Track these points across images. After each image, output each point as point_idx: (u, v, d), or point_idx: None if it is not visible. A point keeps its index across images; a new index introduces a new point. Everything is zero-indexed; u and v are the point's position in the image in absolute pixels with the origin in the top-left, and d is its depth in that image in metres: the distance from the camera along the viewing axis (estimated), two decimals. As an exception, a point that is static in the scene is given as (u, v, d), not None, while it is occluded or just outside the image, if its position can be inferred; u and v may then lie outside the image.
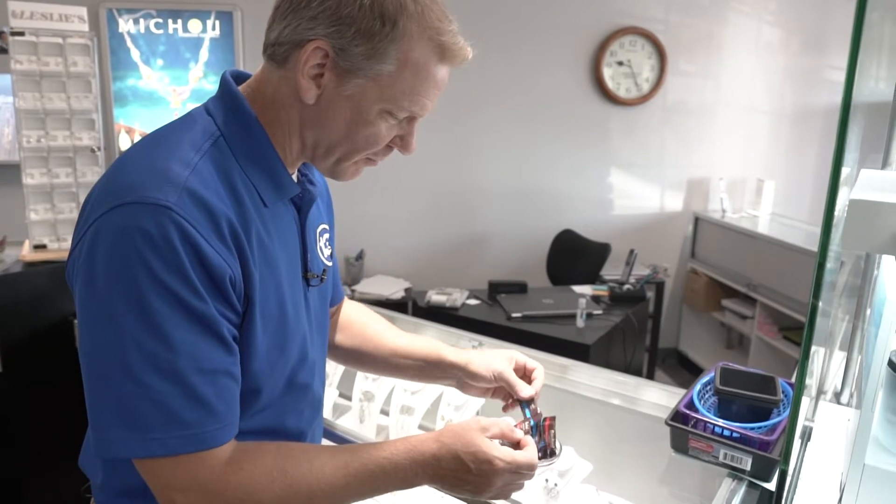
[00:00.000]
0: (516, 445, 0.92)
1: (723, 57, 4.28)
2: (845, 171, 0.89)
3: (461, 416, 1.52)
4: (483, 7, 3.95)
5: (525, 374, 1.10)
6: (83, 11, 2.37)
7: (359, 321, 1.21)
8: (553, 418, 1.03)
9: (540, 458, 0.96)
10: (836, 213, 0.63)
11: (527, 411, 1.04)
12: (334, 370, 1.83)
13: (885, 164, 1.02)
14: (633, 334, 3.04)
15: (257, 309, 0.81)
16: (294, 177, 0.92)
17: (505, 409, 1.10)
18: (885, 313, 0.69)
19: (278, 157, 0.86)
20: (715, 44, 4.25)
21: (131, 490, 0.86)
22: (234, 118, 0.84)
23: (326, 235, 1.03)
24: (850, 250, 0.71)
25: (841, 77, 0.64)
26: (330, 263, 1.02)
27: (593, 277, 3.62)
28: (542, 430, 1.01)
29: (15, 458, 2.29)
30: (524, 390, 1.05)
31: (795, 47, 4.33)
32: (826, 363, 1.29)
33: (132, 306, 0.71)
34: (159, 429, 0.73)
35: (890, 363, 0.72)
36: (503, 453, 0.87)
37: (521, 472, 0.89)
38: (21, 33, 2.24)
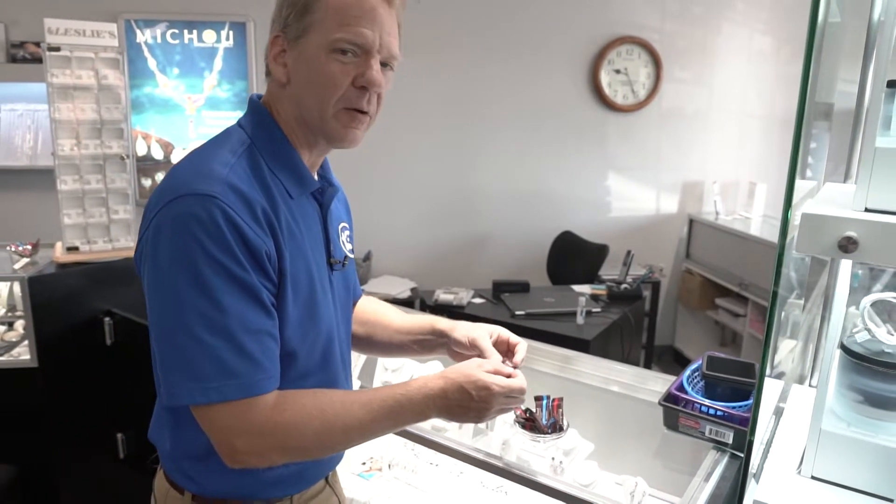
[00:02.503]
0: (508, 378, 1.05)
1: (716, 65, 4.44)
2: (811, 183, 1.05)
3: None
4: (486, 17, 4.10)
5: (509, 349, 1.20)
6: (113, 27, 2.51)
7: (370, 310, 1.35)
8: (561, 399, 1.19)
9: (549, 433, 1.12)
10: (793, 224, 0.79)
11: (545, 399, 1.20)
12: (355, 361, 1.97)
13: (846, 177, 1.17)
14: (631, 331, 3.19)
15: (288, 281, 0.96)
16: (314, 177, 1.08)
17: None
18: (836, 305, 0.85)
19: (298, 156, 1.02)
20: (708, 52, 4.41)
21: (196, 454, 1.02)
22: (260, 128, 1.01)
23: (347, 233, 1.19)
24: (803, 253, 0.86)
25: (829, 84, 0.77)
26: (351, 256, 1.18)
27: (592, 277, 3.77)
28: (552, 409, 1.17)
29: (48, 450, 2.40)
30: (493, 357, 1.13)
31: (786, 55, 4.48)
32: (805, 355, 1.44)
33: (190, 278, 0.87)
34: (215, 378, 0.87)
35: (841, 346, 0.88)
36: (498, 379, 1.01)
37: (513, 396, 1.03)
38: (57, 49, 2.38)
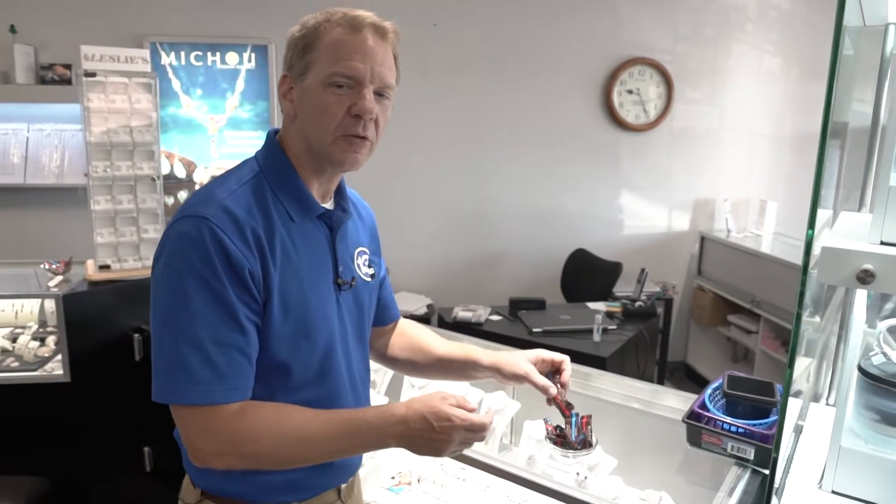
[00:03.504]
0: (470, 412, 1.07)
1: (727, 85, 4.51)
2: (827, 213, 1.11)
3: (501, 420, 1.74)
4: (501, 39, 4.19)
5: (553, 366, 1.28)
6: (146, 54, 2.61)
7: (410, 334, 1.42)
8: (589, 416, 1.25)
9: (579, 449, 1.19)
10: (814, 254, 0.85)
11: (574, 417, 1.26)
12: (382, 379, 2.04)
13: (860, 205, 1.24)
14: (646, 348, 3.24)
15: (275, 299, 1.03)
16: (329, 203, 1.17)
17: (549, 402, 1.28)
18: (853, 329, 0.91)
19: (303, 183, 1.11)
20: (719, 73, 4.48)
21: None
22: (270, 158, 1.12)
23: (365, 257, 1.25)
24: (825, 282, 0.92)
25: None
26: (368, 279, 1.23)
27: (606, 294, 3.83)
28: (581, 426, 1.23)
29: (79, 463, 2.46)
30: (549, 390, 1.23)
31: (795, 75, 4.55)
32: (820, 373, 1.49)
33: (174, 290, 0.98)
34: (182, 383, 0.97)
35: (859, 368, 0.94)
36: (460, 413, 1.03)
37: (474, 431, 1.04)
38: (93, 74, 2.48)
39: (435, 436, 1.03)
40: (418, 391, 1.87)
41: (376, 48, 1.06)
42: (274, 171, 1.11)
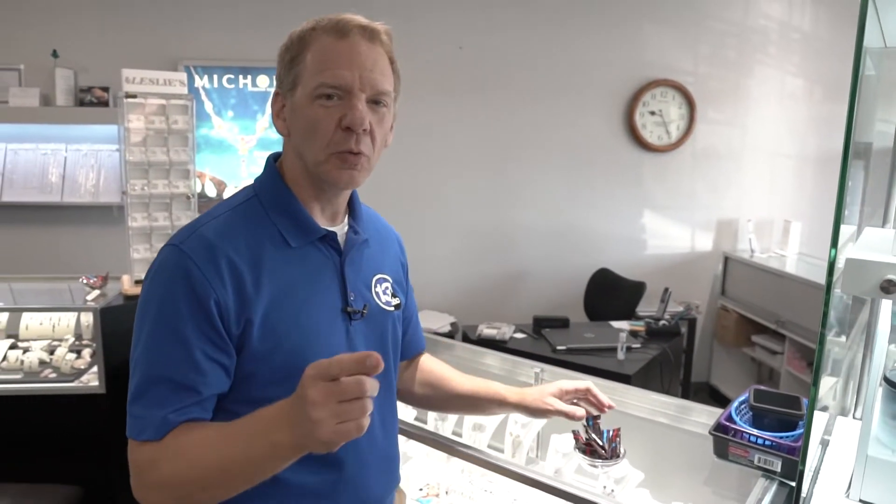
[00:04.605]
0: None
1: (749, 106, 4.53)
2: (851, 228, 1.14)
3: (528, 433, 1.76)
4: (525, 61, 4.27)
5: (578, 394, 1.27)
6: (184, 76, 2.71)
7: (426, 370, 1.38)
8: (618, 429, 1.28)
9: (608, 459, 1.22)
10: (838, 267, 0.89)
11: (590, 422, 1.30)
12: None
13: (885, 222, 1.26)
14: (670, 367, 3.24)
15: (257, 327, 0.96)
16: (341, 226, 1.10)
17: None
18: (878, 341, 0.94)
19: (300, 206, 1.04)
20: (742, 94, 4.51)
21: None
22: (267, 182, 1.07)
23: (386, 284, 1.17)
24: (848, 293, 0.95)
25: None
26: (390, 309, 1.15)
27: (629, 313, 3.83)
28: (611, 438, 1.26)
29: (111, 474, 2.50)
30: (576, 413, 1.25)
31: (818, 96, 4.56)
32: (844, 388, 1.51)
33: (138, 320, 0.96)
34: (132, 406, 0.94)
35: (884, 378, 0.97)
36: (311, 366, 0.80)
37: (334, 376, 0.78)
38: (134, 96, 2.58)
39: (301, 403, 0.80)
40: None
41: (366, 53, 0.99)
42: (269, 194, 1.05)
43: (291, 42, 1.02)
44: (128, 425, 0.95)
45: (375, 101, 1.01)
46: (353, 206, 1.14)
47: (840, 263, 0.90)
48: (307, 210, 1.05)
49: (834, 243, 0.81)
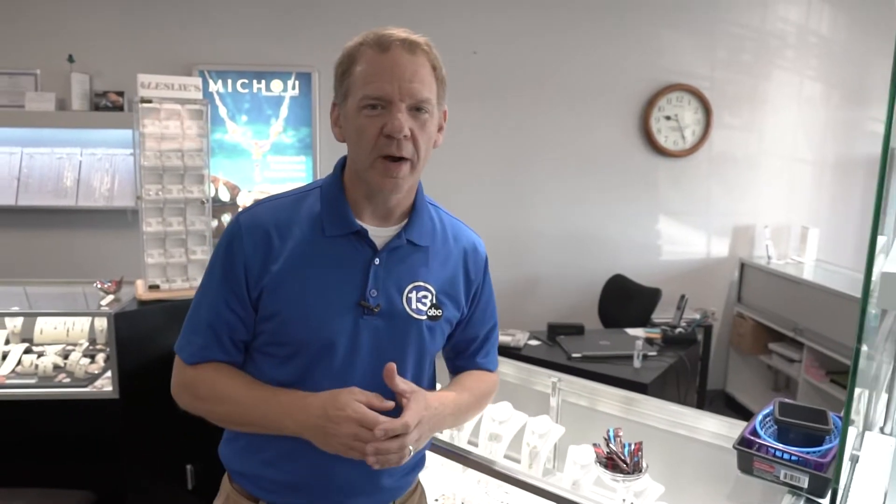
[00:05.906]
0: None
1: (766, 111, 4.48)
2: (882, 239, 1.11)
3: (545, 444, 1.73)
4: (540, 65, 4.25)
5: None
6: (198, 82, 2.71)
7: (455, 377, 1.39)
8: (640, 443, 1.25)
9: (630, 473, 1.19)
10: (873, 279, 0.86)
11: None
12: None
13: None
14: (686, 375, 3.20)
15: (266, 292, 1.13)
16: (394, 228, 1.19)
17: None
18: (915, 356, 0.90)
19: (345, 203, 1.17)
20: (758, 98, 4.46)
21: (226, 437, 1.26)
22: (330, 178, 1.21)
23: (425, 293, 1.20)
24: (884, 308, 0.92)
25: (880, 128, 0.84)
26: (419, 317, 1.19)
27: (644, 320, 3.79)
28: (633, 452, 1.23)
29: (124, 478, 2.51)
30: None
31: (836, 100, 4.51)
32: (873, 401, 1.47)
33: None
34: (183, 329, 1.19)
35: (920, 395, 0.93)
36: (356, 406, 1.04)
37: (365, 427, 1.02)
38: (149, 101, 2.58)
39: (327, 424, 1.05)
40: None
41: (406, 65, 1.08)
42: (327, 188, 1.19)
43: (343, 57, 1.13)
44: (178, 340, 1.19)
45: (417, 109, 1.10)
46: (413, 213, 1.22)
47: (875, 276, 0.87)
48: (354, 207, 1.17)
49: (870, 259, 0.78)
